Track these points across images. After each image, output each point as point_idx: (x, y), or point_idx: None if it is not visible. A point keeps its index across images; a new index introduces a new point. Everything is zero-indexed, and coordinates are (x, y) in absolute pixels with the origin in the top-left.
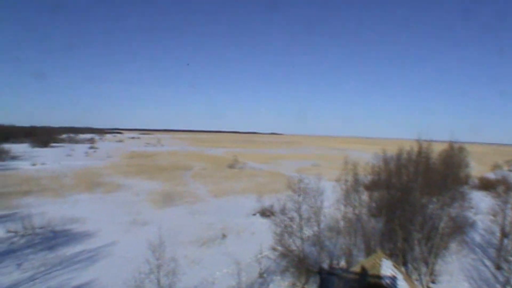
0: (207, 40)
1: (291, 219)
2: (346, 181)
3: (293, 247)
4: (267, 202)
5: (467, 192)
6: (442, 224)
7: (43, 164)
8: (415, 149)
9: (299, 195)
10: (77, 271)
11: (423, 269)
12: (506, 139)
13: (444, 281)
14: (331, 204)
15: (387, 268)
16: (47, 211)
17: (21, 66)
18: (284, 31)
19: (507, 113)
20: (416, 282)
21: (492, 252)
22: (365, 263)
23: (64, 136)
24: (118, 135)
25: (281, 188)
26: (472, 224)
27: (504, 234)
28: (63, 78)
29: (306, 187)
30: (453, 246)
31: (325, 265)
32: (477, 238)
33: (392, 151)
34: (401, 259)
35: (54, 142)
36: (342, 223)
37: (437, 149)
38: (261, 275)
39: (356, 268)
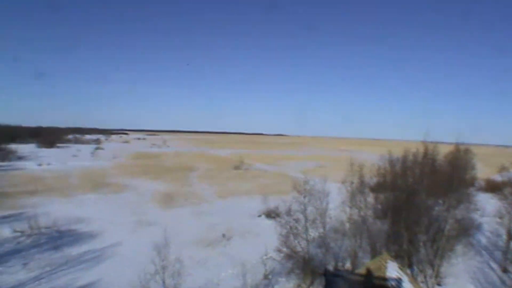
0: (208, 41)
1: (297, 220)
2: (352, 182)
3: (298, 249)
4: (272, 203)
5: (473, 194)
6: (447, 226)
7: (49, 164)
8: (421, 151)
9: (304, 197)
10: (82, 271)
11: (429, 271)
12: None
13: (449, 284)
14: (337, 205)
15: (393, 270)
16: (52, 211)
17: (29, 67)
18: (286, 31)
19: None
20: (421, 284)
21: (498, 254)
22: (371, 265)
23: (70, 136)
24: (124, 135)
25: (286, 190)
26: (478, 226)
27: (511, 237)
28: (69, 79)
29: (312, 189)
30: (459, 248)
31: (330, 267)
32: (483, 241)
33: (397, 152)
34: (407, 261)
35: (60, 143)
36: (347, 225)
37: (443, 151)
38: (266, 277)
39: (362, 270)
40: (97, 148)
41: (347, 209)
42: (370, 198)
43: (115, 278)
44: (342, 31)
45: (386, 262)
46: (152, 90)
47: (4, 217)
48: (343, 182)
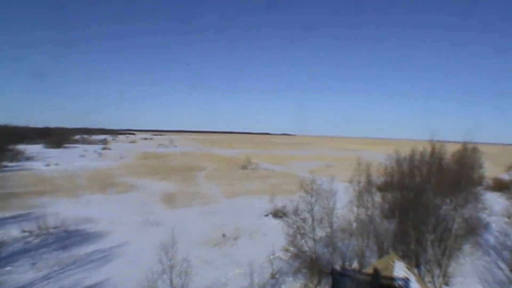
0: (210, 41)
1: (304, 220)
2: (359, 182)
3: (306, 248)
4: (279, 203)
5: (481, 193)
6: (455, 226)
7: (56, 164)
8: (428, 150)
9: (311, 196)
10: (90, 270)
11: (436, 271)
12: None
13: (457, 283)
14: (344, 205)
15: (400, 270)
16: (60, 211)
17: (36, 68)
18: (289, 31)
19: None
20: (429, 284)
21: (506, 254)
22: (378, 265)
23: (77, 137)
24: (131, 136)
25: (293, 189)
26: (486, 226)
27: None
28: (76, 79)
29: (319, 188)
30: (467, 248)
31: (338, 266)
32: (491, 240)
33: (404, 152)
34: (414, 260)
35: (68, 143)
36: (354, 224)
37: (450, 150)
38: (273, 276)
39: (369, 270)
40: (104, 148)
41: (354, 209)
42: (377, 198)
43: (123, 278)
44: (342, 31)
45: (393, 262)
46: (159, 90)
47: (13, 217)
48: (350, 182)
